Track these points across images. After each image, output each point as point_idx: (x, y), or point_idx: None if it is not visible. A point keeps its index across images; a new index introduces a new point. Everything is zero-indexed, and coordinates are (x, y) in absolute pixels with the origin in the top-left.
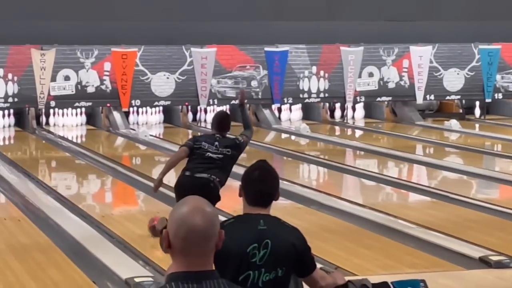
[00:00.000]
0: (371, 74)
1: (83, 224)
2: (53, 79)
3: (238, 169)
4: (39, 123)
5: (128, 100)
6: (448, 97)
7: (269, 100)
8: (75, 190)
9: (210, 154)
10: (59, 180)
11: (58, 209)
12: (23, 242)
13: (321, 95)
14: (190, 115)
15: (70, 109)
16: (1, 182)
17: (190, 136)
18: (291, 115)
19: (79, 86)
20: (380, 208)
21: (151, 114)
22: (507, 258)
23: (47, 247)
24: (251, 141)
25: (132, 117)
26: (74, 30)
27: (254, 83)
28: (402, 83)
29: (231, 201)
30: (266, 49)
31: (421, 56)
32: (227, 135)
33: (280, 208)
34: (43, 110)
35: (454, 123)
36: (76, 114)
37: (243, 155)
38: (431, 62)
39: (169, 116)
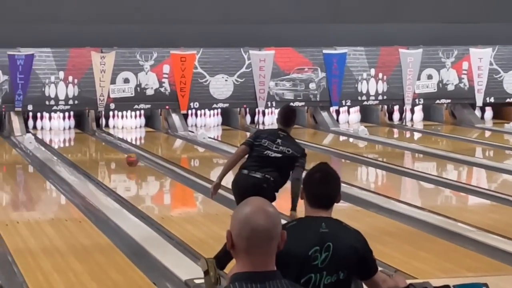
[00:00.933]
0: (430, 77)
1: (143, 225)
2: (113, 81)
3: None
4: (98, 125)
5: (187, 102)
6: (508, 100)
7: (327, 102)
8: (135, 191)
9: (269, 153)
10: (118, 181)
11: (118, 210)
12: (84, 243)
13: (380, 97)
14: (248, 118)
15: (129, 111)
16: (62, 184)
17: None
18: (349, 117)
19: (138, 88)
20: (439, 211)
21: (210, 116)
22: None
23: (107, 248)
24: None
25: (190, 119)
26: (134, 33)
27: (312, 86)
28: (461, 85)
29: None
30: (325, 51)
31: (481, 58)
32: (294, 140)
33: (338, 210)
34: (103, 112)
35: None
36: (135, 116)
37: None
38: (491, 64)
39: (227, 118)
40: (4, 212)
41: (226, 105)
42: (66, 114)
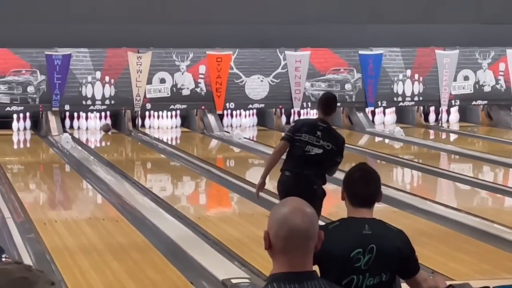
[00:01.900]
0: (466, 78)
1: (179, 225)
2: (149, 81)
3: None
4: (135, 125)
5: (223, 102)
6: None
7: (362, 103)
8: (171, 191)
9: (310, 148)
10: (154, 181)
11: (154, 209)
12: (121, 242)
13: (416, 98)
14: (283, 118)
15: (165, 111)
16: (98, 183)
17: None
18: (385, 118)
19: (174, 88)
20: (476, 212)
21: (245, 117)
22: None
23: (144, 247)
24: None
25: (226, 120)
26: (170, 33)
27: (348, 86)
28: (498, 86)
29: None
30: (360, 52)
31: None
32: (334, 129)
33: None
34: (139, 113)
35: None
36: (171, 117)
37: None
38: None
39: (262, 118)
40: (42, 211)
41: (261, 105)
42: (103, 114)
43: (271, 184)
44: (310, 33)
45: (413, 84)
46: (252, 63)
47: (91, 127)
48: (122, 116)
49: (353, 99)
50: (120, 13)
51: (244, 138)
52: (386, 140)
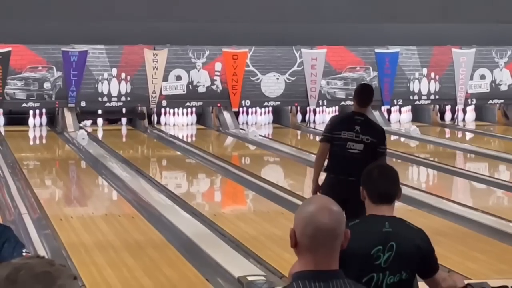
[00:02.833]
0: (483, 77)
1: (195, 222)
2: (165, 78)
3: None
4: (150, 122)
5: (238, 100)
6: None
7: (378, 101)
8: (186, 188)
9: (351, 145)
10: (170, 178)
11: (170, 207)
12: (137, 239)
13: (432, 97)
14: (299, 116)
15: (181, 108)
16: (114, 180)
17: (326, 125)
18: (401, 117)
19: (190, 86)
20: (492, 211)
21: (261, 114)
22: None
23: (160, 244)
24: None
25: (241, 117)
26: (186, 31)
27: None
28: None
29: None
30: (377, 50)
31: None
32: (371, 120)
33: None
34: (155, 109)
35: None
36: (187, 114)
37: None
38: None
39: (278, 116)
40: (58, 207)
41: (277, 103)
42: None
43: (286, 182)
44: (327, 31)
45: (429, 82)
46: (268, 61)
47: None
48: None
49: None
50: (136, 10)
51: (260, 135)
52: (402, 139)
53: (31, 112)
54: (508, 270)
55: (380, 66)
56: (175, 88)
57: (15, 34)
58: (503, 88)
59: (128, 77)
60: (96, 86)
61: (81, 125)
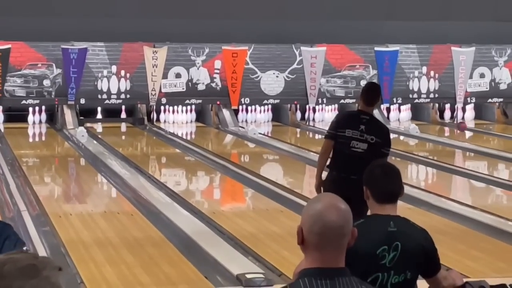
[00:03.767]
0: (482, 75)
1: (194, 219)
2: (165, 76)
3: None
4: (150, 119)
5: (238, 98)
6: None
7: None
8: (185, 186)
9: (355, 144)
10: (169, 176)
11: (169, 204)
12: (136, 236)
13: (431, 95)
14: (298, 114)
15: (180, 106)
16: (113, 177)
17: (332, 122)
18: (400, 115)
19: (189, 83)
20: (491, 210)
21: (260, 112)
22: None
23: (159, 241)
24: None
25: (241, 115)
26: (186, 28)
27: (363, 83)
28: None
29: None
30: (376, 48)
31: None
32: (377, 120)
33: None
34: (154, 107)
35: None
36: (186, 111)
37: None
38: None
39: (277, 114)
40: (57, 204)
41: (276, 101)
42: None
43: (286, 180)
44: (326, 29)
45: (428, 81)
46: (268, 59)
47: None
48: (138, 111)
49: None
50: (136, 7)
51: (259, 133)
52: (401, 137)
53: (30, 109)
54: (507, 268)
55: (379, 65)
56: (175, 86)
57: (14, 31)
58: (503, 86)
59: (128, 75)
60: (96, 83)
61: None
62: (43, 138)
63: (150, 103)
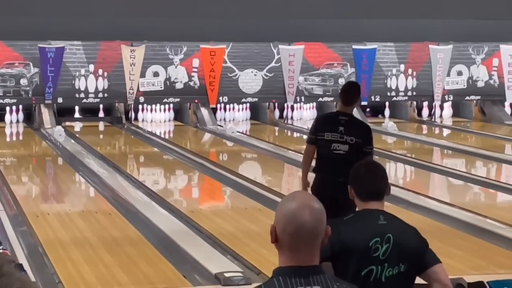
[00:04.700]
0: (460, 73)
1: (173, 218)
2: (142, 75)
3: None
4: (128, 118)
5: (216, 96)
6: None
7: None
8: (163, 185)
9: (336, 146)
10: (147, 175)
11: (147, 203)
12: (114, 235)
13: (409, 93)
14: (277, 112)
15: (158, 105)
16: (91, 176)
17: (311, 125)
18: (378, 113)
19: (167, 82)
20: (469, 207)
21: (238, 110)
22: None
23: (137, 240)
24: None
25: (219, 114)
26: (164, 27)
27: (341, 81)
28: (491, 82)
29: None
30: (354, 46)
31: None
32: (357, 119)
33: None
34: (132, 106)
35: None
36: (164, 110)
37: None
38: None
39: (256, 113)
40: (35, 204)
41: (255, 99)
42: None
43: (264, 179)
44: (304, 27)
45: (406, 79)
46: (246, 57)
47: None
48: (115, 110)
49: None
50: (114, 6)
51: (237, 132)
52: (382, 135)
53: (7, 108)
54: (485, 265)
55: (357, 63)
56: (153, 85)
57: None
58: (480, 84)
59: (105, 73)
60: (73, 82)
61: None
62: (21, 138)
63: (128, 102)
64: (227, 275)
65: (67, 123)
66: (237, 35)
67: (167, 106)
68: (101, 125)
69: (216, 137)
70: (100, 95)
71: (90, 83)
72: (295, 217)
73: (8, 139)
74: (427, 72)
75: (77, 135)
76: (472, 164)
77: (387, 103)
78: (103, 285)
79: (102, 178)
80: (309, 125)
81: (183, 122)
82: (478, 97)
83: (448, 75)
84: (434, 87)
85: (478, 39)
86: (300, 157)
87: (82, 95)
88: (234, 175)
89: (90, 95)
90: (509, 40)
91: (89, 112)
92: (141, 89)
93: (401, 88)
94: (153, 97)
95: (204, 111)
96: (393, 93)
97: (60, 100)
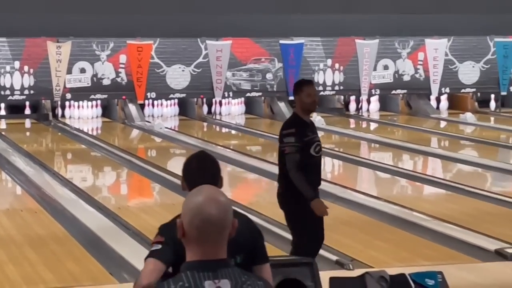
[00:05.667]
0: (386, 67)
1: (99, 215)
2: (69, 71)
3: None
4: (55, 115)
5: (144, 92)
6: (463, 90)
7: (284, 93)
8: (91, 182)
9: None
10: (75, 172)
11: (74, 200)
12: (40, 233)
13: (336, 87)
14: (205, 108)
15: (85, 101)
16: (17, 174)
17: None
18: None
19: (94, 78)
20: (396, 200)
21: (166, 106)
22: None
23: (63, 238)
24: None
25: (147, 110)
26: (90, 23)
27: (269, 76)
28: (417, 76)
29: (246, 193)
30: (281, 41)
31: (437, 49)
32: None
33: None
34: (59, 103)
35: (469, 116)
36: (92, 107)
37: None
38: (446, 55)
39: (184, 108)
40: None
41: (183, 95)
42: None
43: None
44: (231, 22)
45: (333, 73)
46: (173, 53)
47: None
48: (42, 107)
49: (275, 89)
50: (39, 2)
51: (166, 128)
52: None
53: None
54: (409, 257)
55: (284, 58)
56: (79, 81)
57: None
58: (406, 78)
59: (31, 70)
60: None
61: None
62: None
63: (55, 98)
64: None
65: None
66: (164, 31)
67: (94, 102)
68: (28, 123)
69: (144, 133)
70: (26, 92)
71: (16, 80)
72: (201, 211)
73: None
74: (354, 66)
75: (2, 133)
76: (398, 157)
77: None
78: (28, 284)
79: (28, 176)
80: (237, 120)
81: (111, 119)
82: (404, 91)
83: (375, 69)
84: (361, 81)
85: (404, 34)
86: (228, 152)
87: (7, 92)
88: (163, 171)
89: (16, 92)
90: (434, 34)
91: (15, 109)
92: (68, 85)
93: (329, 82)
94: (80, 94)
95: (132, 107)
96: (321, 88)
97: None
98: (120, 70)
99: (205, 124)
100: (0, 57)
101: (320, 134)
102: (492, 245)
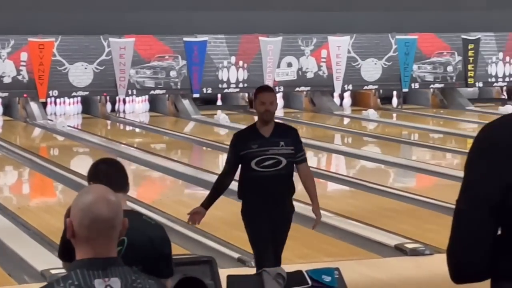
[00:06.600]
0: (289, 64)
1: None
2: None
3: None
4: None
5: (46, 90)
6: (365, 87)
7: (188, 90)
8: None
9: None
10: None
11: None
12: None
13: (240, 85)
14: (108, 106)
15: None
16: None
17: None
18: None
19: None
20: (298, 197)
21: (69, 104)
22: (422, 245)
23: None
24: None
25: (49, 108)
26: None
27: (173, 73)
28: (320, 73)
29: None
30: (185, 39)
31: (339, 46)
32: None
33: (200, 198)
34: None
35: (371, 113)
36: None
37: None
38: (349, 52)
39: (87, 106)
40: None
41: (86, 93)
42: None
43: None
44: (135, 19)
45: (237, 71)
46: (76, 50)
47: None
48: None
49: (179, 86)
50: None
51: (68, 126)
52: (213, 127)
53: None
54: (311, 254)
55: (188, 55)
56: None
57: None
58: (310, 75)
59: None
60: None
61: None
62: None
63: None
64: (53, 272)
65: None
66: (66, 28)
67: None
68: None
69: (47, 132)
70: None
71: None
72: (91, 210)
73: None
74: (258, 63)
75: None
76: None
77: (219, 95)
78: None
79: None
80: (141, 118)
81: (12, 117)
82: (308, 88)
83: (278, 66)
84: (265, 79)
85: (307, 31)
86: (132, 150)
87: None
88: (65, 171)
89: None
90: (337, 31)
91: None
92: None
93: (233, 80)
94: None
95: (34, 106)
96: (225, 85)
97: None
98: (21, 68)
99: (108, 122)
100: None
101: (224, 131)
102: (392, 240)
